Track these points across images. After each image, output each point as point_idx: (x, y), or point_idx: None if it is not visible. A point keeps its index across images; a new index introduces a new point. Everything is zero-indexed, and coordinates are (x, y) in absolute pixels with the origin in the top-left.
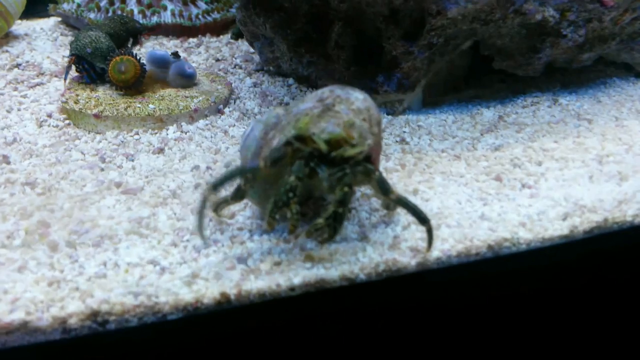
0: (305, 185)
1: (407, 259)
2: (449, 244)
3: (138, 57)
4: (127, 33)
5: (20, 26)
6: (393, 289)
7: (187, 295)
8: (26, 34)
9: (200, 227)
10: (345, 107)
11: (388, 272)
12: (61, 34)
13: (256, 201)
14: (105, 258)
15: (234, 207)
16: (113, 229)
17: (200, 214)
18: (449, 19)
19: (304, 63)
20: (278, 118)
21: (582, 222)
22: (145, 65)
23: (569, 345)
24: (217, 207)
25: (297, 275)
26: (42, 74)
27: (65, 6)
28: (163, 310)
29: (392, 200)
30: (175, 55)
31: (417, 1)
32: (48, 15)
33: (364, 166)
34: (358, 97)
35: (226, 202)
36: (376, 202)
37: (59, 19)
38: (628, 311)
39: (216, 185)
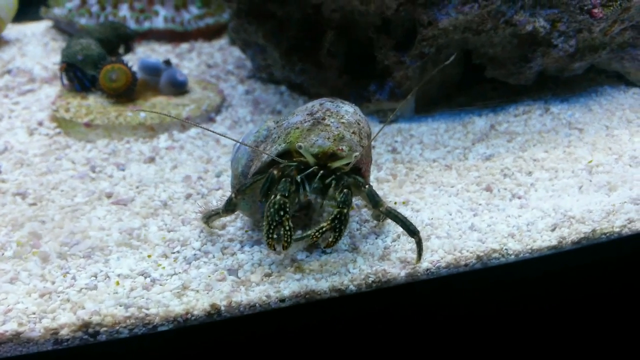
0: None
1: (397, 270)
2: (439, 255)
3: (129, 65)
4: (118, 39)
5: (10, 30)
6: (383, 300)
7: (177, 307)
8: (17, 39)
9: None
10: (335, 120)
11: (378, 284)
12: (52, 39)
13: (247, 212)
14: (96, 270)
15: (225, 218)
16: (104, 241)
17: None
18: (440, 29)
19: (297, 71)
20: (269, 131)
21: (571, 233)
22: (136, 73)
23: (557, 355)
24: (209, 219)
25: (287, 286)
26: (33, 80)
27: (57, 11)
28: (154, 321)
29: (382, 213)
30: (167, 62)
31: (408, 12)
32: (39, 19)
33: (354, 178)
34: (348, 111)
35: (217, 214)
36: (366, 214)
37: (50, 23)
38: (615, 321)
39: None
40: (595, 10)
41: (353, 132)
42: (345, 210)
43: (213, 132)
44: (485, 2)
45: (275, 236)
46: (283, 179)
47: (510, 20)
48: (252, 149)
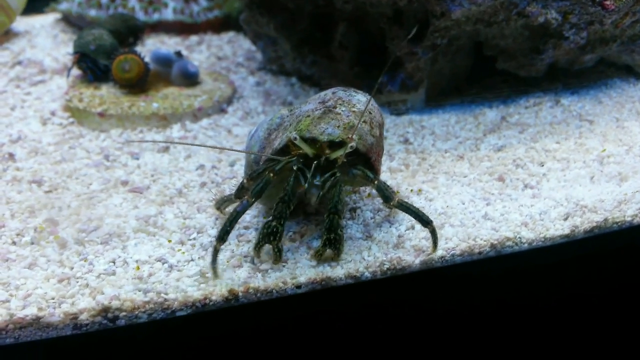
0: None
1: (411, 258)
2: (453, 242)
3: (142, 56)
4: (128, 30)
5: (19, 23)
6: (398, 287)
7: (195, 293)
8: (26, 31)
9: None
10: (347, 109)
11: (393, 271)
12: (61, 31)
13: (261, 200)
14: (114, 255)
15: None
16: (121, 227)
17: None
18: (453, 20)
19: (308, 62)
20: (282, 119)
21: (583, 222)
22: (149, 64)
23: (570, 342)
24: (222, 205)
25: (303, 273)
26: (44, 71)
27: (66, 4)
28: (172, 306)
29: (394, 206)
30: (178, 54)
31: (421, 3)
32: (47, 12)
33: (363, 172)
34: (360, 100)
35: (230, 200)
36: (380, 202)
37: (59, 16)
38: (627, 309)
39: (222, 237)
40: (607, 3)
41: (364, 121)
42: (336, 216)
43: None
44: None
45: (262, 250)
46: (279, 202)
47: (523, 11)
48: (264, 137)
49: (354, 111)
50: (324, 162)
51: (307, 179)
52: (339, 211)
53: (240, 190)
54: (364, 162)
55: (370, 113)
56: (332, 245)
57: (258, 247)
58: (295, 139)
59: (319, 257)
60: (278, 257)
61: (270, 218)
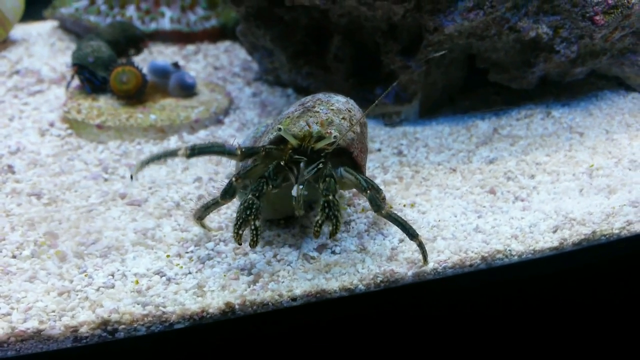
0: (310, 192)
1: (404, 270)
2: (445, 255)
3: (139, 68)
4: (127, 40)
5: (16, 30)
6: (391, 299)
7: (193, 305)
8: (23, 39)
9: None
10: (325, 107)
11: (386, 283)
12: (58, 39)
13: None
14: (113, 269)
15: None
16: (119, 240)
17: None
18: (446, 35)
19: (303, 74)
20: (267, 127)
21: (572, 235)
22: (146, 75)
23: (559, 353)
24: (203, 214)
25: (299, 286)
26: (42, 81)
27: (63, 10)
28: (170, 319)
29: (382, 216)
30: (176, 65)
31: (414, 18)
32: (43, 18)
33: (355, 177)
34: (339, 100)
35: (216, 203)
36: (373, 215)
37: (56, 23)
38: (615, 320)
39: (193, 151)
40: (597, 18)
41: (343, 118)
42: (330, 197)
43: None
44: (491, 9)
45: (241, 232)
46: (260, 179)
47: (514, 26)
48: (251, 143)
49: (332, 109)
50: (309, 152)
51: (298, 170)
52: (333, 194)
53: (229, 189)
54: (348, 159)
55: (349, 111)
56: (330, 220)
57: (237, 228)
58: (280, 129)
59: (317, 234)
60: (255, 237)
61: (249, 195)
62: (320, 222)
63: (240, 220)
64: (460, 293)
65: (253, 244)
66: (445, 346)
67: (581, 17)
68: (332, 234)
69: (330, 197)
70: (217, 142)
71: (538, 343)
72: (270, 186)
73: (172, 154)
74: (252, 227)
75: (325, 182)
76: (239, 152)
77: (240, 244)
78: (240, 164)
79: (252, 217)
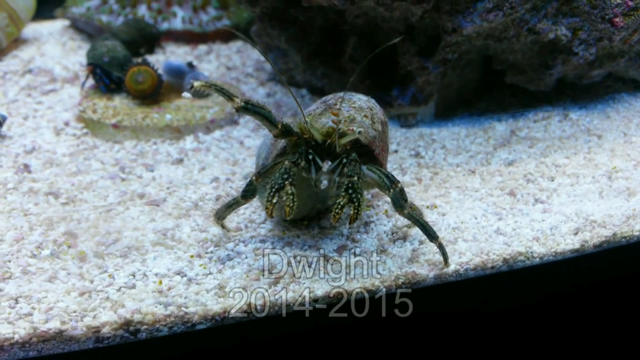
0: (320, 193)
1: (425, 272)
2: (467, 257)
3: (155, 68)
4: (143, 39)
5: (27, 29)
6: (412, 301)
7: (215, 306)
8: (35, 38)
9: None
10: (347, 105)
11: (408, 285)
12: (70, 39)
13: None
14: (133, 269)
15: (258, 218)
16: (139, 240)
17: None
18: (464, 36)
19: (318, 75)
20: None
21: (593, 237)
22: (162, 75)
23: (578, 354)
24: (223, 214)
25: (320, 287)
26: (55, 80)
27: (75, 9)
28: (192, 320)
29: (403, 216)
30: (191, 65)
31: (432, 19)
32: (54, 17)
33: (379, 176)
34: (361, 98)
35: (236, 203)
36: (395, 217)
37: (67, 22)
38: (637, 321)
39: (247, 104)
40: (617, 20)
41: (365, 116)
42: (355, 178)
43: None
44: (510, 10)
45: (274, 201)
46: (296, 153)
47: (533, 28)
48: (271, 143)
49: (354, 107)
50: (333, 149)
51: (317, 165)
52: (358, 176)
53: (249, 187)
54: (369, 158)
55: (371, 110)
56: (352, 202)
57: (271, 196)
58: (306, 122)
59: (337, 217)
60: (291, 204)
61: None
62: (342, 204)
63: (276, 187)
64: (481, 294)
65: (289, 211)
66: (467, 347)
67: (600, 19)
68: (352, 220)
69: (355, 179)
70: (267, 106)
71: (559, 344)
72: (303, 163)
73: (230, 98)
74: (289, 192)
75: (350, 164)
76: (279, 125)
77: (271, 216)
78: (261, 161)
79: (289, 181)
